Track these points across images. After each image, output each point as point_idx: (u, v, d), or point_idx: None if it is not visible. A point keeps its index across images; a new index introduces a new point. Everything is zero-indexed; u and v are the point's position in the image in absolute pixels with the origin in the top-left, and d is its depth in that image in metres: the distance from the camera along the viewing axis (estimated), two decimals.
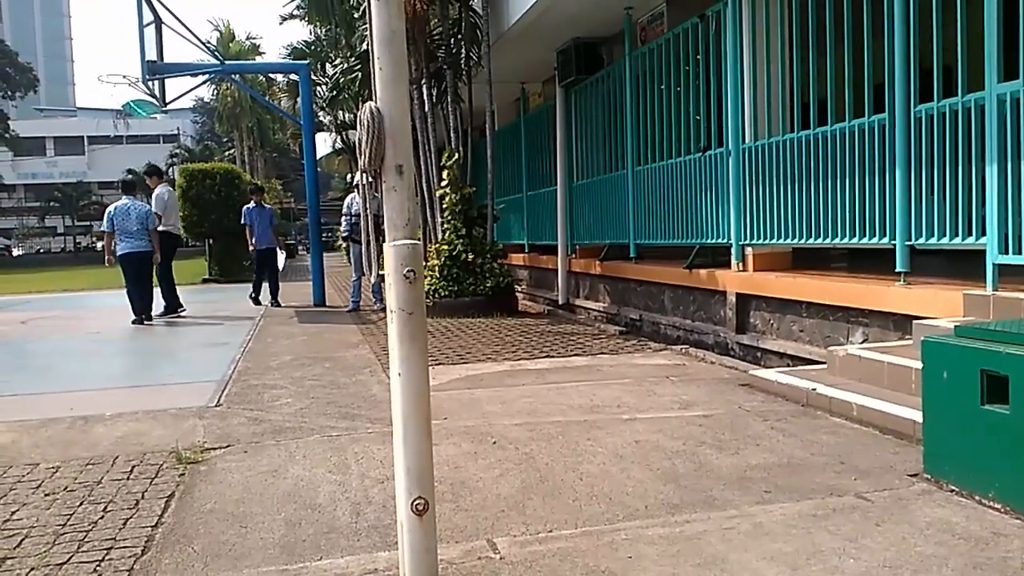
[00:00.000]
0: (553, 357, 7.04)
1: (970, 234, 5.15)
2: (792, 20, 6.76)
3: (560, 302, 12.31)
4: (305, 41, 24.27)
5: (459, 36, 11.41)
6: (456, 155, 10.70)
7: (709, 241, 8.12)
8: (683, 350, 7.29)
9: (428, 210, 11.88)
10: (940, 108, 5.30)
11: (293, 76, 22.10)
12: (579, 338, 8.27)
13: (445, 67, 11.45)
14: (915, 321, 5.09)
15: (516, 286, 12.10)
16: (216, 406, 5.50)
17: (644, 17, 9.80)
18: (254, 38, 46.96)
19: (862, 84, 5.96)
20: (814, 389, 4.89)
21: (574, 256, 12.06)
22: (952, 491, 3.36)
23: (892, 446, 4.03)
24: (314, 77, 19.70)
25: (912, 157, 5.54)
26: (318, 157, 21.85)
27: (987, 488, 3.23)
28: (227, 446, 4.47)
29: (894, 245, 5.71)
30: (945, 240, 5.34)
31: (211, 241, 20.41)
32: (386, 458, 4.06)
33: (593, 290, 11.55)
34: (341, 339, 8.72)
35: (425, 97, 11.50)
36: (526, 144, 14.33)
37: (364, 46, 12.38)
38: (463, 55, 11.45)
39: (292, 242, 45.66)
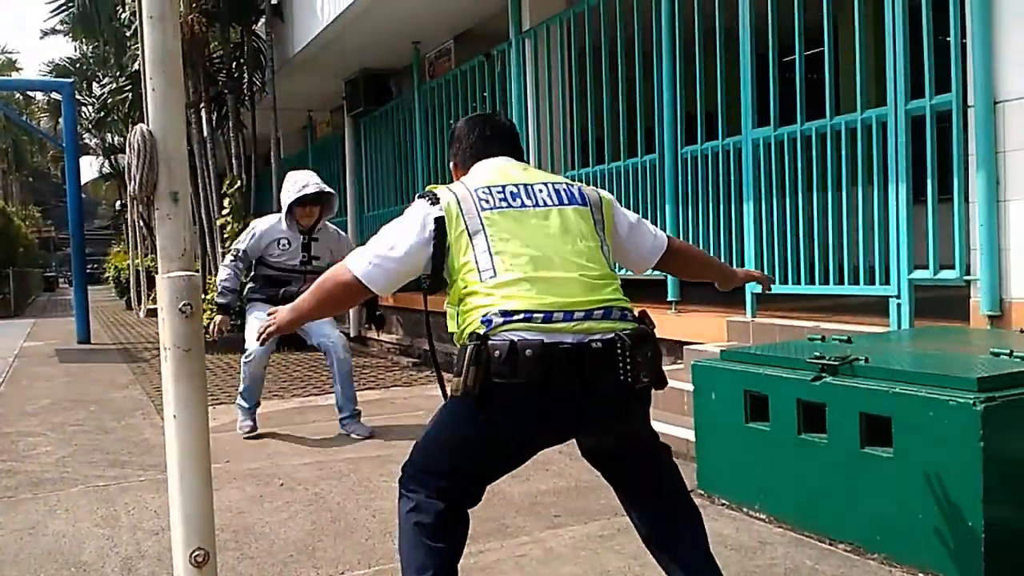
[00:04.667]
0: None
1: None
2: (571, 65, 7.11)
3: (352, 335, 12.06)
4: (69, 58, 22.35)
5: (241, 60, 11.00)
6: (238, 182, 10.27)
7: None
8: None
9: (208, 240, 11.29)
10: (703, 150, 5.77)
11: (55, 95, 20.32)
12: (372, 371, 8.15)
13: (226, 91, 10.98)
14: (685, 346, 5.46)
15: None
16: None
17: (432, 53, 9.93)
18: (10, 52, 42.98)
19: (635, 126, 6.37)
20: None
21: None
22: (723, 505, 3.61)
23: None
24: (80, 96, 18.22)
25: (680, 194, 5.97)
26: (83, 182, 20.22)
27: (753, 500, 3.50)
28: None
29: (666, 276, 6.11)
30: None
31: None
32: (161, 507, 3.75)
33: (386, 322, 11.42)
34: (109, 379, 8.04)
35: (204, 122, 10.97)
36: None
37: (136, 66, 11.64)
38: (245, 80, 11.05)
39: (52, 274, 42.01)
